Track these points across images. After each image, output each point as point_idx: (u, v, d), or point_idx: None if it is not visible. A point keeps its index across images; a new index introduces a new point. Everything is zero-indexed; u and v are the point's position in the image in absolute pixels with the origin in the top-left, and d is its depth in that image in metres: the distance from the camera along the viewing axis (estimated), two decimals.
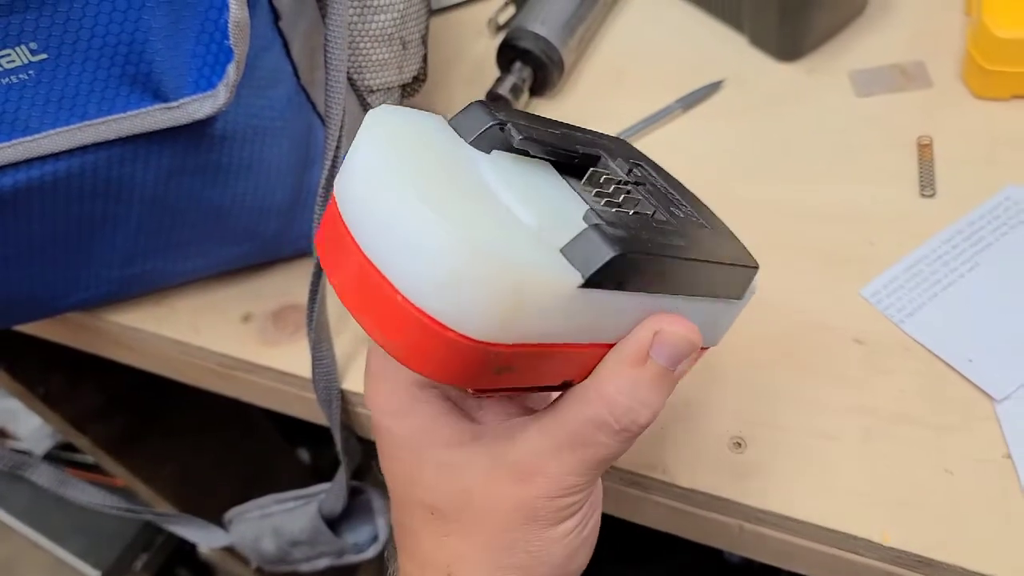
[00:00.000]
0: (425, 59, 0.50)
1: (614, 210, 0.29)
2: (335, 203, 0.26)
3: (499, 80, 0.56)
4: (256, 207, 0.46)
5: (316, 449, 1.23)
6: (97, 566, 1.10)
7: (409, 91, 0.51)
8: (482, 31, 0.62)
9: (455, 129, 0.28)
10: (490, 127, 0.27)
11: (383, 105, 0.27)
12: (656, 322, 0.28)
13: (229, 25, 0.37)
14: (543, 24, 0.56)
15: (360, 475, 0.56)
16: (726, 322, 0.34)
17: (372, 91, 0.48)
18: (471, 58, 0.61)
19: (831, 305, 0.47)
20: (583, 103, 0.58)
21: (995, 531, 0.39)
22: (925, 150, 0.51)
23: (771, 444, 0.43)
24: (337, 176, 0.27)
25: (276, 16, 0.40)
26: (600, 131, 0.35)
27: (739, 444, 0.43)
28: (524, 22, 0.57)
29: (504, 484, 0.28)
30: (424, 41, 0.50)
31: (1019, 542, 0.39)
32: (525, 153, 0.29)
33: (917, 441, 0.42)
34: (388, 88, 0.49)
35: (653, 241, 0.27)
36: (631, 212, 0.29)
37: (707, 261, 0.30)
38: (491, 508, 0.28)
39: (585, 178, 0.30)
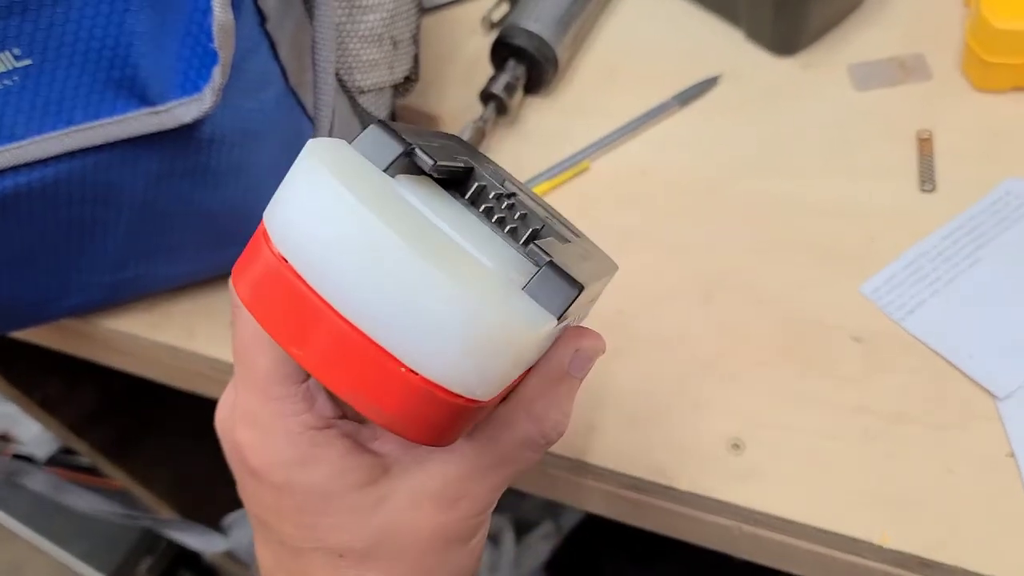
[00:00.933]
0: (416, 58, 0.50)
1: (541, 240, 0.27)
2: (278, 256, 0.23)
3: (493, 79, 0.55)
4: (247, 210, 0.46)
5: None
6: (101, 570, 1.09)
7: (401, 91, 0.51)
8: (475, 29, 0.61)
9: (362, 155, 0.26)
10: (401, 155, 0.26)
11: (314, 139, 0.25)
12: (574, 341, 0.29)
13: (213, 28, 0.36)
14: (537, 21, 0.55)
15: None
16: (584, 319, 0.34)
17: (363, 92, 0.48)
18: (464, 56, 0.60)
19: (829, 302, 0.46)
20: (578, 100, 0.57)
21: (997, 531, 0.39)
22: (925, 144, 0.51)
23: (769, 445, 0.42)
24: (277, 220, 0.24)
25: (262, 18, 0.39)
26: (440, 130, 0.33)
27: (737, 446, 0.42)
28: (518, 19, 0.56)
29: (426, 513, 0.28)
30: (415, 40, 0.49)
31: (1022, 542, 0.38)
32: (427, 175, 0.27)
33: (918, 440, 0.41)
34: (379, 88, 0.48)
35: (577, 266, 0.27)
36: (530, 229, 0.28)
37: (602, 277, 0.30)
38: (413, 538, 0.28)
39: (470, 194, 0.28)
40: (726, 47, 0.57)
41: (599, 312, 0.47)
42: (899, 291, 0.46)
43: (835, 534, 0.40)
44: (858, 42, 0.56)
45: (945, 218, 0.48)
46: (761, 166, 0.52)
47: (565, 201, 0.52)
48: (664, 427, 0.44)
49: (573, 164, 0.53)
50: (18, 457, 1.17)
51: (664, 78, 0.56)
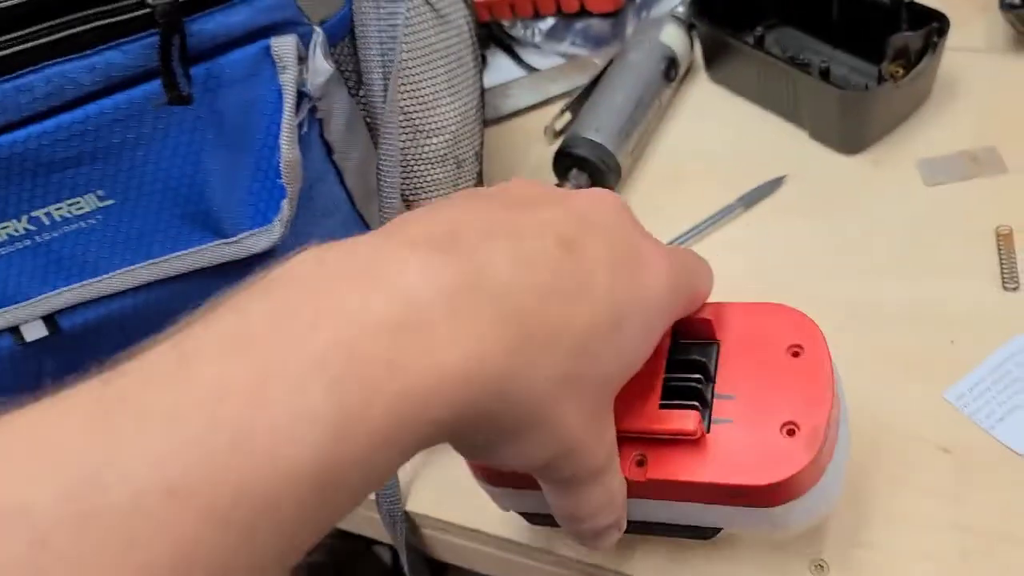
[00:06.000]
0: (480, 174, 0.51)
1: None
2: None
3: (557, 187, 0.56)
4: None
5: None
6: None
7: None
8: (539, 138, 0.62)
9: None
10: None
11: None
12: None
13: (281, 165, 0.37)
14: (598, 131, 0.56)
15: None
16: None
17: None
18: (528, 165, 0.61)
19: (912, 410, 0.44)
20: (642, 204, 0.57)
21: None
22: (1005, 239, 0.49)
23: (857, 565, 0.40)
24: None
25: (329, 150, 0.41)
26: None
27: (821, 567, 0.40)
28: (580, 129, 0.57)
29: None
30: (478, 157, 0.50)
31: None
32: None
33: (1022, 561, 0.39)
34: None
35: None
36: None
37: None
38: None
39: None
40: (790, 147, 0.57)
41: None
42: (987, 397, 0.43)
43: None
44: (926, 137, 0.55)
45: None
46: (832, 267, 0.51)
47: None
48: (744, 546, 0.42)
49: None
50: None
51: (727, 180, 0.56)
